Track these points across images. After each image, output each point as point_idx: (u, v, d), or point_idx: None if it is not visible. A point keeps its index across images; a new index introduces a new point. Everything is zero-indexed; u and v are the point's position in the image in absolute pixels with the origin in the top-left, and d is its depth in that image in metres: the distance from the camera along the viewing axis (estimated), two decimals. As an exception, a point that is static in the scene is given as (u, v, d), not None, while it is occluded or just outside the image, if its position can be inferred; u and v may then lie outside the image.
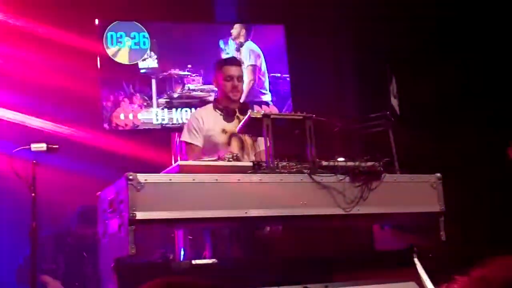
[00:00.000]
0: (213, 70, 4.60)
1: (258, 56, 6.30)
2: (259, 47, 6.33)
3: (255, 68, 6.17)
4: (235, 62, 4.59)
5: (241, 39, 6.30)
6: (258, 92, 6.34)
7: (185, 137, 4.41)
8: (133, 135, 5.81)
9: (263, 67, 6.38)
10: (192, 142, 4.35)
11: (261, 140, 4.37)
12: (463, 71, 6.42)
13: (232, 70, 4.41)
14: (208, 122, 4.36)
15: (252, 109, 4.66)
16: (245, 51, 6.33)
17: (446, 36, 6.46)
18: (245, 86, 5.77)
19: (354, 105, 6.67)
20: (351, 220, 3.61)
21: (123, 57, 5.76)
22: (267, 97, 6.35)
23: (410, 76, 5.19)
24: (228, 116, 4.37)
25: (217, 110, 4.43)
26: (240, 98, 4.47)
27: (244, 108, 4.37)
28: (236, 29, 6.34)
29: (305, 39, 6.59)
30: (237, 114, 4.35)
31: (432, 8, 6.35)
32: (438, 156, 5.53)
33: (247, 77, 6.13)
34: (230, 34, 6.33)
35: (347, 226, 4.14)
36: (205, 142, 4.33)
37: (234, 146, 4.29)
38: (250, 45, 6.34)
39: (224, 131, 4.32)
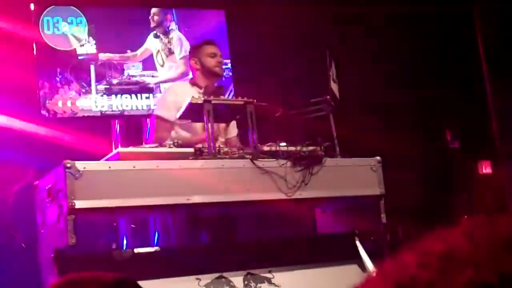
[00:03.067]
0: (190, 53, 4.59)
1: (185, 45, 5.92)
2: (197, 33, 6.00)
3: (187, 59, 5.79)
4: (214, 43, 4.52)
5: (170, 26, 5.85)
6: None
7: (160, 111, 4.31)
8: (72, 123, 5.68)
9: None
10: (166, 117, 4.18)
11: (233, 125, 4.31)
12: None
13: (214, 49, 4.39)
14: (185, 99, 4.04)
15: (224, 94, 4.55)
16: (176, 41, 5.84)
17: (389, 24, 6.52)
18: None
19: (295, 90, 6.69)
20: (293, 205, 3.64)
21: (60, 43, 5.61)
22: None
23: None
24: (207, 95, 4.00)
25: (195, 87, 4.30)
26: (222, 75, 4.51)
27: (219, 91, 4.25)
28: (157, 15, 5.76)
29: (246, 25, 6.56)
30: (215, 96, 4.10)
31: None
32: (377, 140, 5.61)
33: (181, 71, 5.84)
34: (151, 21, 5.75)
35: (289, 211, 4.16)
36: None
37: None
38: (177, 33, 5.86)
39: None
